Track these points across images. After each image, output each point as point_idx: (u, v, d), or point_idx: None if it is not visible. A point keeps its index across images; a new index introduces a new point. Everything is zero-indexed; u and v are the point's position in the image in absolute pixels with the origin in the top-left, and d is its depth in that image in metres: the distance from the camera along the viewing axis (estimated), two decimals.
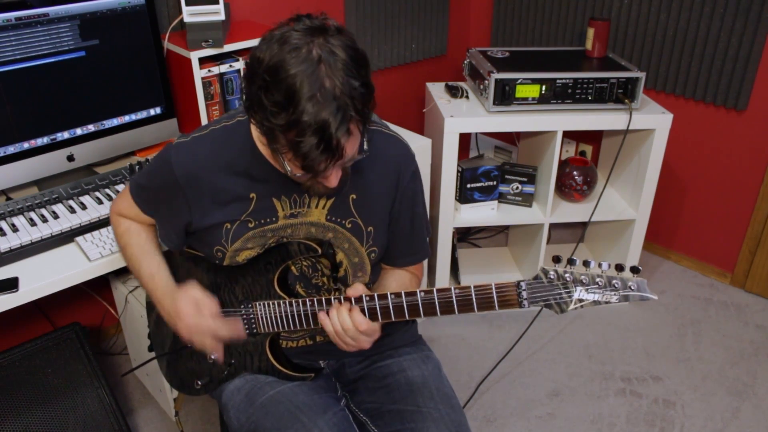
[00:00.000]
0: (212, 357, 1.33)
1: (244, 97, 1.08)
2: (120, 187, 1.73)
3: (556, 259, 1.05)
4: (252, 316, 1.27)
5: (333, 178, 1.09)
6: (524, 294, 1.05)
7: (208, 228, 1.26)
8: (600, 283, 1.02)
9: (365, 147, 1.11)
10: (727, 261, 2.68)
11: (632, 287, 1.01)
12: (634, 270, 1.02)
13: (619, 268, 1.02)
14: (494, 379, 2.20)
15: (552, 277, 1.03)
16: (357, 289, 1.18)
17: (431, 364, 1.37)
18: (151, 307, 1.50)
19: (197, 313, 1.23)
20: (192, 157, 1.23)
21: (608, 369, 2.26)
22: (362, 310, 1.16)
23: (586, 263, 1.02)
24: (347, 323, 1.15)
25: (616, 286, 1.01)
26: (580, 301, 1.03)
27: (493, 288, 1.06)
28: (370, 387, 1.35)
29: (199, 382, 1.37)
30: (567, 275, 1.03)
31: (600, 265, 1.02)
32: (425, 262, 1.44)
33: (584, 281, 1.02)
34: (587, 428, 2.03)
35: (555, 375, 2.23)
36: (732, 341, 2.39)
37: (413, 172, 1.33)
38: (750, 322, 2.49)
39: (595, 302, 1.03)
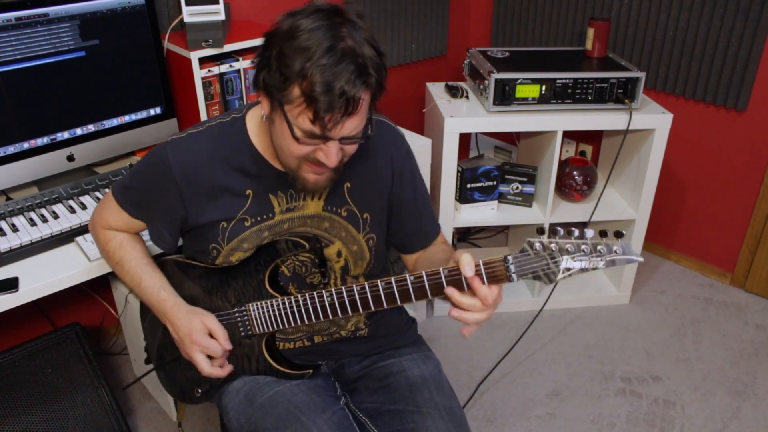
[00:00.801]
0: (199, 391, 1.35)
1: (256, 65, 1.09)
2: None
3: (540, 231, 1.04)
4: (246, 317, 1.27)
5: (333, 154, 1.08)
6: (512, 268, 1.04)
7: (205, 225, 1.26)
8: (585, 250, 1.01)
9: (369, 132, 1.11)
10: (727, 261, 2.68)
11: (617, 251, 1.01)
12: (618, 234, 1.02)
13: (603, 233, 1.02)
14: (494, 379, 2.20)
15: (538, 248, 1.03)
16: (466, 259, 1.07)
17: (431, 364, 1.37)
18: (144, 317, 1.48)
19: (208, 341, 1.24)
20: (189, 153, 1.22)
21: (608, 369, 2.26)
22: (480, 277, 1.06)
23: (569, 232, 1.02)
24: (466, 300, 1.06)
25: (602, 251, 1.01)
26: (568, 269, 1.02)
27: (482, 265, 1.06)
28: (369, 387, 1.34)
29: (199, 390, 1.37)
30: (552, 245, 1.02)
31: (584, 233, 1.02)
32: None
33: (570, 250, 1.02)
34: (587, 428, 2.03)
35: (555, 375, 2.23)
36: (732, 341, 2.39)
37: (406, 152, 1.34)
38: (750, 322, 2.49)
39: (583, 269, 1.02)
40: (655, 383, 2.20)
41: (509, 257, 1.04)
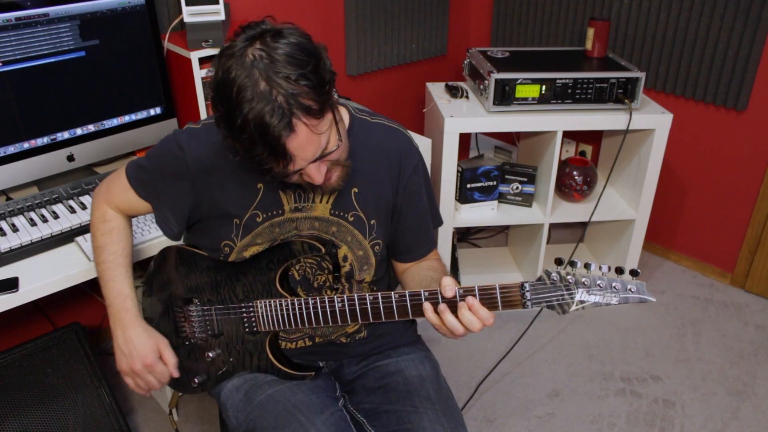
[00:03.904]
0: (195, 381, 1.35)
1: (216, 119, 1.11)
2: None
3: (559, 262, 1.08)
4: (252, 314, 1.27)
5: (315, 175, 1.10)
6: (528, 295, 1.07)
7: (216, 219, 1.27)
8: (601, 285, 1.05)
9: (340, 138, 1.12)
10: (727, 261, 2.68)
11: (632, 290, 1.05)
12: (634, 273, 1.05)
13: (619, 271, 1.05)
14: (494, 379, 2.20)
15: (555, 279, 1.06)
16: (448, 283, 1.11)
17: (429, 365, 1.37)
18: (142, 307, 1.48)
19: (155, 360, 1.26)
20: (205, 144, 1.24)
21: (608, 369, 2.26)
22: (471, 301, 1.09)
23: (587, 266, 1.06)
24: (476, 324, 1.09)
25: (617, 288, 1.05)
26: (582, 302, 1.06)
27: (497, 289, 1.08)
28: (368, 387, 1.34)
29: (196, 380, 1.36)
30: (569, 277, 1.05)
31: (600, 268, 1.05)
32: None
33: (586, 283, 1.05)
34: (587, 428, 2.03)
35: (555, 375, 2.23)
36: (732, 341, 2.39)
37: (416, 166, 1.33)
38: (750, 322, 2.49)
39: (596, 304, 1.06)
40: (655, 383, 2.20)
41: (526, 284, 1.07)
